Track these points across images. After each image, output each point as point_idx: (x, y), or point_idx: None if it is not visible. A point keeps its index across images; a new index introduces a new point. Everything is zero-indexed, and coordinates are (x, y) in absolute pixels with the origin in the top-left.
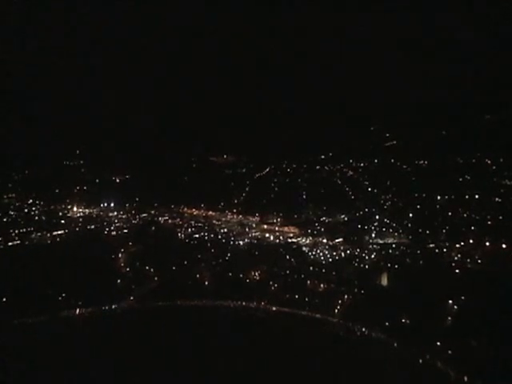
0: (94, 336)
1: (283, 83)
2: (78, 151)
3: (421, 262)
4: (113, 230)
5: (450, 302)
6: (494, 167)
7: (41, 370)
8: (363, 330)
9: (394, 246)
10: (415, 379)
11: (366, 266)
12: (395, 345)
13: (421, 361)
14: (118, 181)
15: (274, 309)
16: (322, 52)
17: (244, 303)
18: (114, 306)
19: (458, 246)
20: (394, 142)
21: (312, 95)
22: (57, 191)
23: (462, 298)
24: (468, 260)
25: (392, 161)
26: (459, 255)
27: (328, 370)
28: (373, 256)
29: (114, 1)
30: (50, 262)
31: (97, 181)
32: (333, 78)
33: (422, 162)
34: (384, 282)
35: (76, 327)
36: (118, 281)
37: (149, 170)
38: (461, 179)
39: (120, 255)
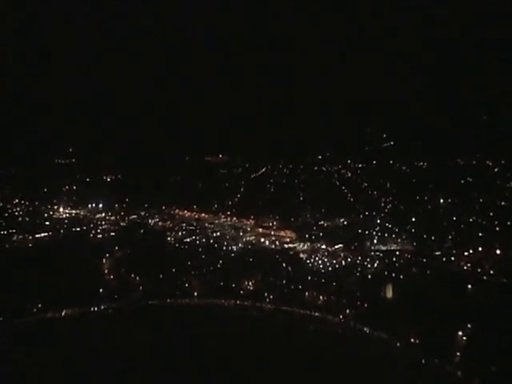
0: (84, 337)
1: (281, 83)
2: (70, 149)
3: (428, 272)
4: (99, 233)
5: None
6: (496, 169)
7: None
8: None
9: (397, 253)
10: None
11: (369, 276)
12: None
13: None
14: (109, 180)
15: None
16: (322, 52)
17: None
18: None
19: (466, 254)
20: (392, 143)
21: (310, 95)
22: (45, 190)
23: (476, 315)
24: (479, 270)
25: (391, 162)
26: (469, 265)
27: (327, 370)
28: (375, 264)
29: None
30: (29, 267)
31: (87, 180)
32: (331, 79)
33: (421, 163)
34: (389, 294)
35: (64, 328)
36: (100, 290)
37: (142, 170)
38: (463, 181)
39: (104, 261)
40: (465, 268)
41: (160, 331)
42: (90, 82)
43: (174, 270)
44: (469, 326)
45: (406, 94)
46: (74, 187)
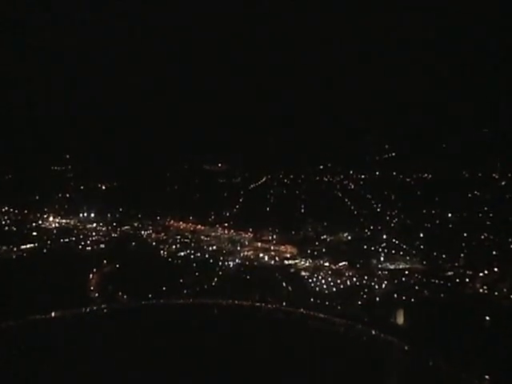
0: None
1: (282, 91)
2: (67, 156)
3: (442, 295)
4: (88, 245)
5: None
6: (504, 182)
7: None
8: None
9: (406, 272)
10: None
11: (377, 299)
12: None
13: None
14: (104, 188)
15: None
16: (323, 61)
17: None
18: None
19: (481, 274)
20: (394, 154)
21: (310, 103)
22: (36, 198)
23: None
24: (496, 293)
25: (394, 173)
26: (485, 287)
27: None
28: (383, 285)
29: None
30: (8, 281)
31: (81, 187)
32: (332, 87)
33: (426, 175)
34: (400, 320)
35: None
36: (82, 310)
37: (138, 178)
38: (470, 195)
39: (91, 276)
40: (481, 291)
41: (157, 331)
42: (90, 89)
43: (164, 288)
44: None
45: (407, 103)
46: (67, 195)
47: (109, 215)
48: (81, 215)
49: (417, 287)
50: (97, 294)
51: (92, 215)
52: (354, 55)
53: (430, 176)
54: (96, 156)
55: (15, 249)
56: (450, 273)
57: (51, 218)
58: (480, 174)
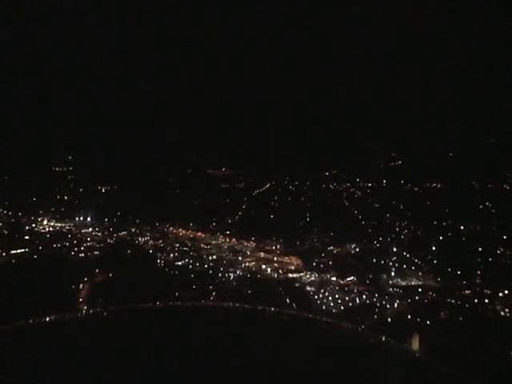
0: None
1: (287, 98)
2: (70, 157)
3: (460, 317)
4: (82, 252)
5: None
6: None
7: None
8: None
9: (419, 290)
10: None
11: (389, 320)
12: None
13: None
14: (103, 191)
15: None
16: (327, 68)
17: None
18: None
19: (501, 294)
20: (400, 162)
21: (316, 110)
22: (34, 199)
23: None
24: None
25: (402, 182)
26: (506, 310)
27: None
28: (395, 304)
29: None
30: None
31: (80, 190)
32: (338, 94)
33: (434, 184)
34: (415, 346)
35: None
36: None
37: (139, 181)
38: (481, 206)
39: (81, 286)
40: (502, 314)
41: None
42: (92, 92)
43: (158, 302)
44: None
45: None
46: (65, 197)
47: (106, 219)
48: (77, 219)
49: (432, 307)
50: (85, 307)
51: (88, 219)
52: (359, 62)
53: (439, 185)
54: (98, 158)
55: (4, 254)
56: (467, 291)
57: (45, 222)
58: (490, 186)
